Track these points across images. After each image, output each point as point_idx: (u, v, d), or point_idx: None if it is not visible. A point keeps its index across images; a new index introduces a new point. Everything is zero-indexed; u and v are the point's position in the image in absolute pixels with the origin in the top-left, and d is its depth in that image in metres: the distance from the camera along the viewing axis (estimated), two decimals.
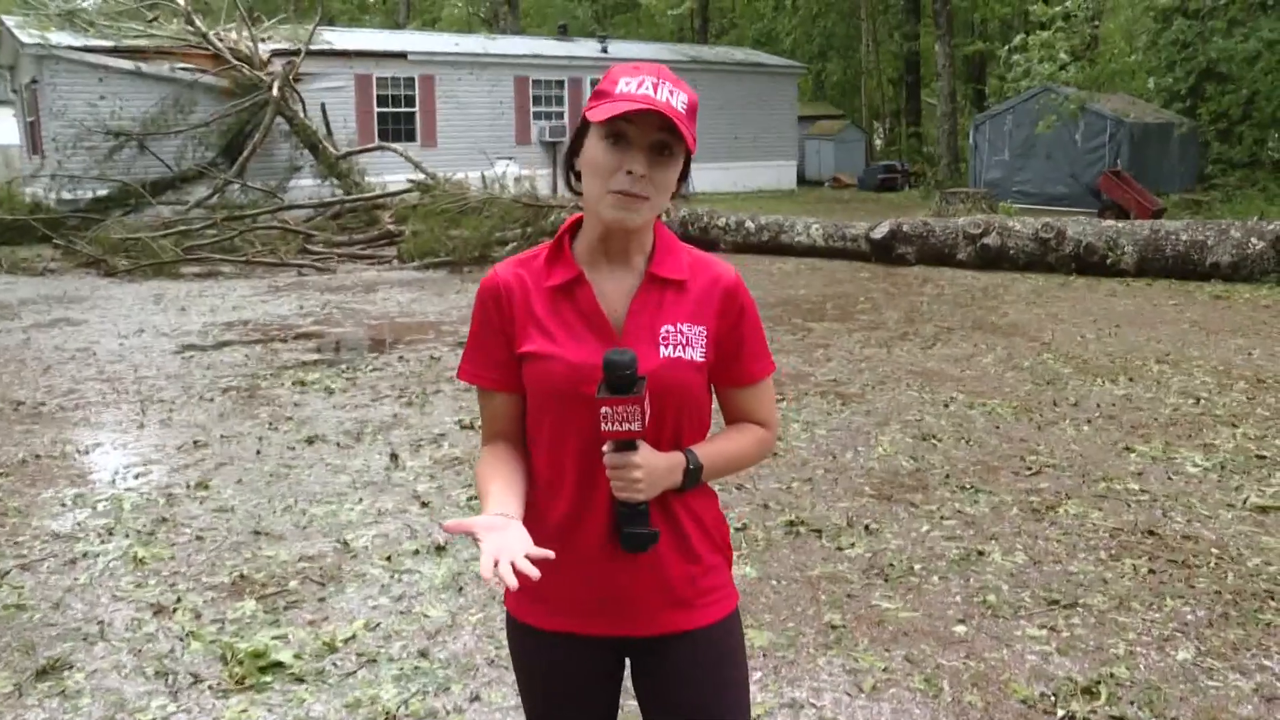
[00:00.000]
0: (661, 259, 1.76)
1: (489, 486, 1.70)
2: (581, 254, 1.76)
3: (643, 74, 1.65)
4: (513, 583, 1.47)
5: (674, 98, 1.64)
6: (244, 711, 3.18)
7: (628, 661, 1.88)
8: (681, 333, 1.73)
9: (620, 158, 1.64)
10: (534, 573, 1.48)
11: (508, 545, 1.52)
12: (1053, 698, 3.21)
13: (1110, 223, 12.90)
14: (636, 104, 1.61)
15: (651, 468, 1.65)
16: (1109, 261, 11.98)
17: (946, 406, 6.58)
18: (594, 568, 1.74)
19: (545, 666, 1.84)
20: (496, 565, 1.48)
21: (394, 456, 5.67)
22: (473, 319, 1.80)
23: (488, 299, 1.77)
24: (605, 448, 1.64)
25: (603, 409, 1.60)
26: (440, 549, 4.41)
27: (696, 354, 1.74)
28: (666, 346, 1.72)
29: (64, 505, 5.00)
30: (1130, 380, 7.19)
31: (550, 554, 1.52)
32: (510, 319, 1.75)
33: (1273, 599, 3.87)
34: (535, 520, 1.73)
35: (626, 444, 1.63)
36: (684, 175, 1.73)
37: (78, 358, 8.38)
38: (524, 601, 1.80)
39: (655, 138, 1.64)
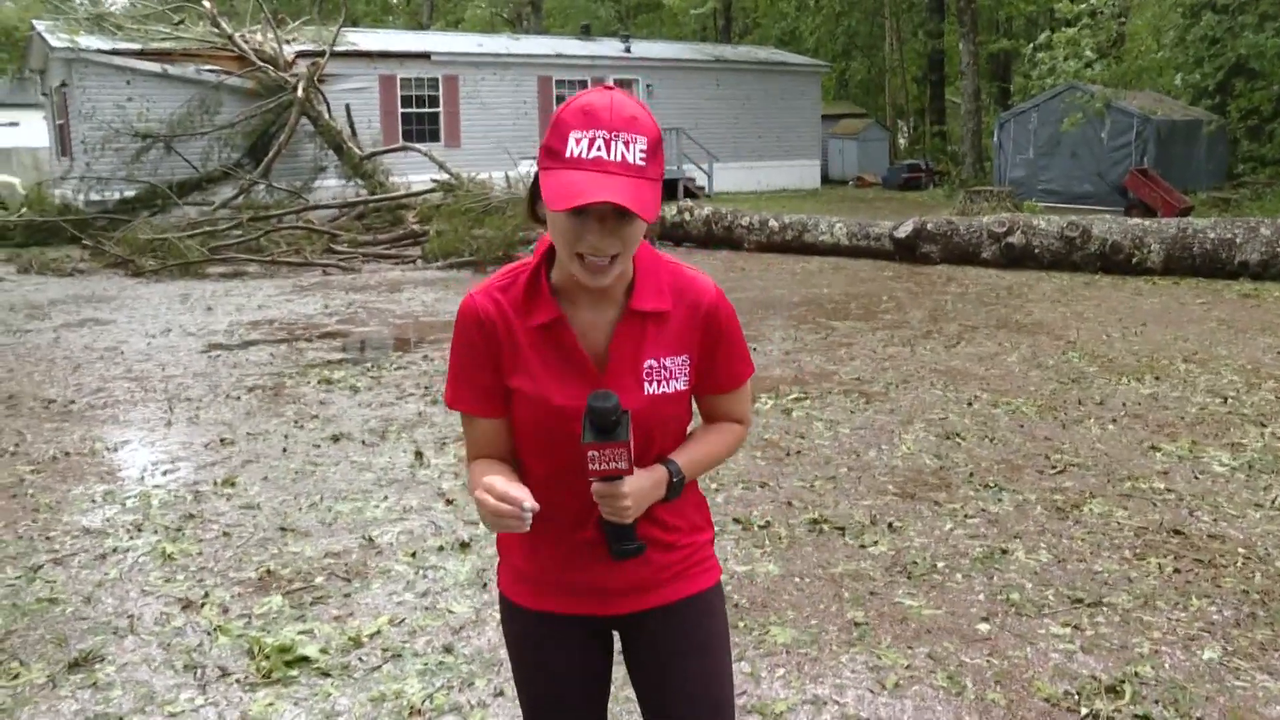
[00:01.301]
0: (642, 289, 1.74)
1: (486, 475, 1.74)
2: (559, 286, 1.74)
3: (595, 128, 1.57)
4: (530, 505, 1.59)
5: (630, 150, 1.58)
6: (271, 705, 3.22)
7: (618, 639, 1.95)
8: (665, 367, 1.76)
9: (580, 226, 1.60)
10: (518, 498, 1.60)
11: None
12: (1076, 696, 3.20)
13: (1136, 221, 12.81)
14: (586, 194, 1.53)
15: (638, 492, 1.70)
16: (1135, 260, 11.89)
17: (970, 405, 6.55)
18: (584, 563, 1.81)
19: (537, 645, 1.89)
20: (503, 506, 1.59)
21: (419, 454, 5.71)
22: (454, 345, 1.80)
23: (470, 327, 1.76)
24: (593, 479, 1.68)
25: (590, 452, 1.63)
26: (464, 545, 4.43)
27: (680, 384, 1.78)
28: (650, 383, 1.75)
29: (94, 501, 5.06)
30: (1156, 379, 7.15)
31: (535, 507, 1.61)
32: (495, 348, 1.75)
33: None
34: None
35: (614, 476, 1.68)
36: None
37: (106, 357, 8.47)
38: (516, 583, 1.89)
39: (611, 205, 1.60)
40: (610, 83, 1.75)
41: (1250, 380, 7.06)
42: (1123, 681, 3.27)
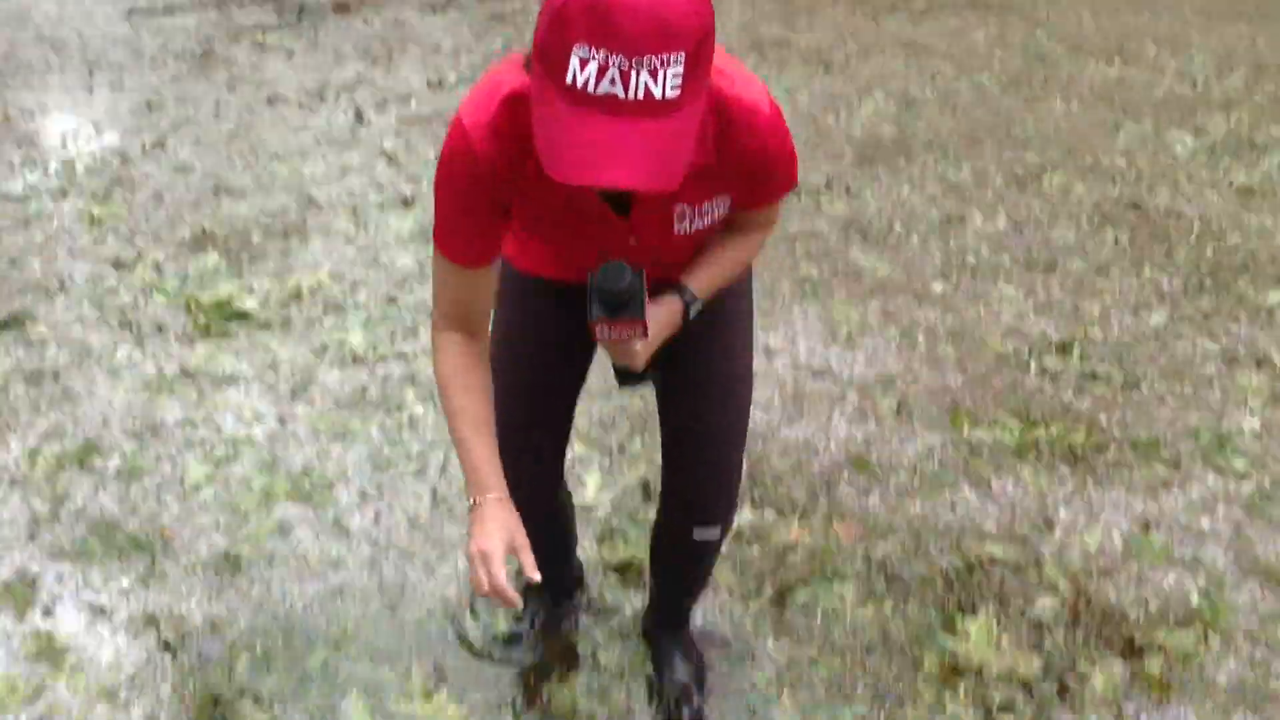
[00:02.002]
0: None
1: (469, 442, 1.48)
2: None
3: (607, 46, 1.04)
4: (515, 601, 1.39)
5: (657, 79, 1.07)
6: (210, 357, 3.15)
7: None
8: (700, 211, 1.44)
9: None
10: (516, 601, 1.39)
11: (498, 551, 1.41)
12: (1026, 352, 3.22)
13: None
14: (586, 171, 1.09)
15: (651, 344, 1.50)
16: None
17: (933, 78, 6.32)
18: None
19: (536, 297, 1.73)
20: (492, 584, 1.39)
21: (359, 114, 5.43)
22: (444, 187, 1.39)
23: (461, 173, 1.36)
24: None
25: (598, 328, 1.39)
26: (407, 202, 4.27)
27: (718, 214, 1.47)
28: (682, 222, 1.44)
29: (12, 167, 4.78)
30: (1125, 62, 6.92)
31: (535, 578, 1.41)
32: (500, 192, 1.39)
33: (1247, 272, 3.85)
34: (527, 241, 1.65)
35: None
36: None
37: (11, 22, 7.86)
38: (524, 262, 1.71)
39: None
40: None
41: (1220, 67, 6.87)
42: (1072, 341, 3.29)
